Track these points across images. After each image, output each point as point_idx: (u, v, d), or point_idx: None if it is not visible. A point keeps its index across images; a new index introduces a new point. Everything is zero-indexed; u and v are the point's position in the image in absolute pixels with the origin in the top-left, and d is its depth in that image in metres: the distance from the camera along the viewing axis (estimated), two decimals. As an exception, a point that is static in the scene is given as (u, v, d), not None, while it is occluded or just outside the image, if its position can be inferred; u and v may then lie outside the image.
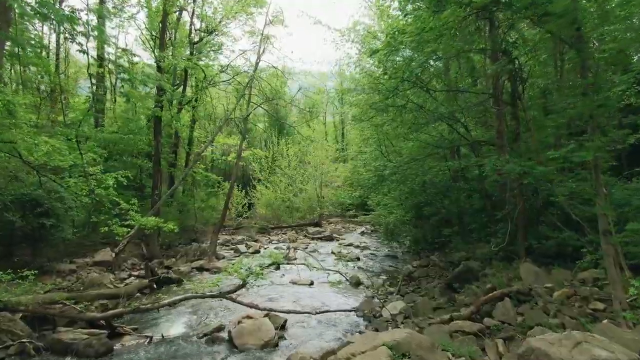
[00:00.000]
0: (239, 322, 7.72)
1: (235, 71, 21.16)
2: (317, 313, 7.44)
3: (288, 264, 10.12)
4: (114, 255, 12.72)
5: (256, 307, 7.26)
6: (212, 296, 7.27)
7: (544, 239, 8.36)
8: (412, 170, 9.68)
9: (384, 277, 11.97)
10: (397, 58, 7.89)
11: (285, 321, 7.63)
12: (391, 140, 13.92)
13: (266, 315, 7.67)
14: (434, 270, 11.00)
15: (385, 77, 7.91)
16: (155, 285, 10.79)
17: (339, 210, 24.08)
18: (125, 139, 16.30)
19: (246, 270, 7.82)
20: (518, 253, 8.70)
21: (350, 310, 7.99)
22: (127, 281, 11.43)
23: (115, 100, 23.06)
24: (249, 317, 7.96)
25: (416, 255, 14.28)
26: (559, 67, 9.95)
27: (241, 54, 21.58)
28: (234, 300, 7.31)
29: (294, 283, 11.01)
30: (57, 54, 20.03)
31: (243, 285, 7.43)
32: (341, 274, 9.08)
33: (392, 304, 8.58)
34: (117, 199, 9.09)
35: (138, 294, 9.64)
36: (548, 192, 8.48)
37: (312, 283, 11.03)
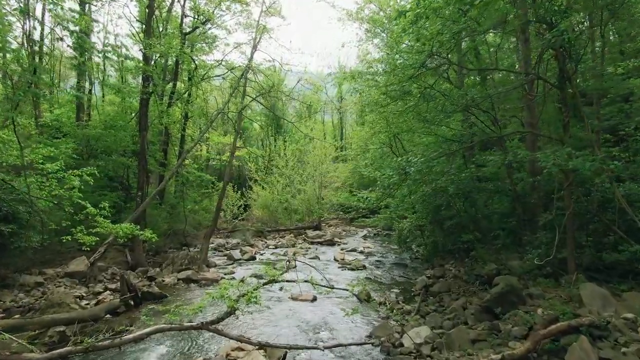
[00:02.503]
0: (227, 357, 6.03)
1: (230, 65, 19.45)
2: (325, 348, 5.75)
3: (288, 281, 8.39)
4: (89, 264, 10.96)
5: (248, 342, 5.56)
6: (192, 327, 5.55)
7: (601, 250, 6.72)
8: (439, 167, 8.01)
9: (397, 290, 10.30)
10: (424, 31, 6.22)
11: (285, 354, 5.95)
12: (402, 135, 12.26)
13: (261, 348, 5.99)
14: (455, 283, 9.33)
15: (417, 44, 6.21)
16: (133, 302, 9.05)
17: (347, 216, 22.26)
18: (106, 134, 14.53)
19: (237, 288, 6.12)
20: (566, 268, 7.06)
21: (365, 344, 6.30)
22: (102, 296, 9.67)
23: (103, 95, 21.32)
24: (239, 349, 6.27)
25: (427, 264, 12.62)
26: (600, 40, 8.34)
27: (236, 47, 19.84)
28: (219, 333, 5.60)
29: (294, 299, 9.30)
30: (40, 47, 18.27)
31: (231, 313, 5.72)
32: (352, 292, 7.42)
33: (414, 329, 6.90)
34: (82, 202, 7.35)
35: (108, 316, 7.89)
36: (603, 194, 6.85)
37: (314, 299, 9.32)
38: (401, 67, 6.92)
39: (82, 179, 7.44)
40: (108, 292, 10.01)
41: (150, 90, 13.70)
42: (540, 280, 7.08)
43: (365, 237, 20.57)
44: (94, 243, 7.75)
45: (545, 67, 7.40)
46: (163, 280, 11.02)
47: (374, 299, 9.41)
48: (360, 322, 7.88)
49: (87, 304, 8.89)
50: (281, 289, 10.28)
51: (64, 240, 7.52)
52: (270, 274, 6.53)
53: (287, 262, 10.42)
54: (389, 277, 11.85)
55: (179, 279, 11.02)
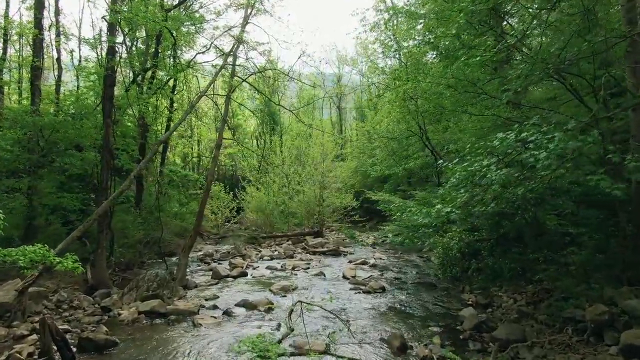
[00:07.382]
0: None
1: (220, 51, 16.35)
2: None
3: (293, 356, 5.29)
4: (16, 294, 7.78)
5: None
6: None
7: None
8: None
9: (437, 328, 7.25)
10: None
11: None
12: (428, 127, 9.22)
13: None
14: (530, 328, 6.29)
15: None
16: (61, 358, 5.91)
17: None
18: (65, 123, 11.38)
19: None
20: None
21: None
22: (23, 343, 6.50)
23: (78, 79, 18.10)
24: None
25: (460, 283, 9.62)
26: None
27: (227, 31, 16.69)
28: None
29: (299, 349, 6.19)
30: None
31: None
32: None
33: None
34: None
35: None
36: None
37: (327, 349, 6.23)
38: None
39: None
40: (36, 335, 6.82)
41: (115, 66, 10.58)
42: None
43: (374, 244, 17.51)
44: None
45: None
46: (119, 314, 7.84)
47: (411, 347, 6.39)
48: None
49: (-11, 362, 5.74)
50: (279, 326, 7.22)
51: None
52: (260, 348, 3.48)
53: (289, 315, 7.22)
54: (419, 304, 8.80)
55: (140, 312, 7.83)
